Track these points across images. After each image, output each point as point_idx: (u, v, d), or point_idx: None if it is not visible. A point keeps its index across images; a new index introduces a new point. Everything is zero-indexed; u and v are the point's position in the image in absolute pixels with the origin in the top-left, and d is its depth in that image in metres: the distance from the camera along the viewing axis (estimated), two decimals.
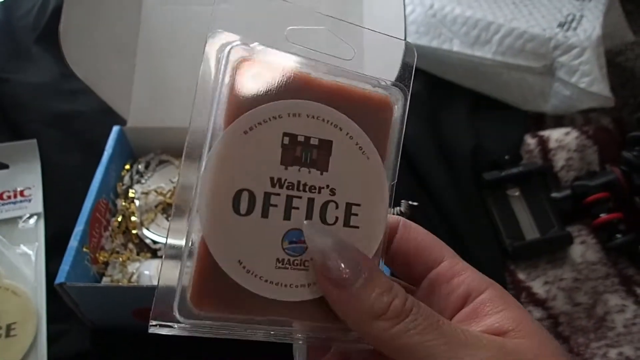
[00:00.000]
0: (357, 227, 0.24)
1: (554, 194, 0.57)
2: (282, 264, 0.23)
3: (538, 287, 0.53)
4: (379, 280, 0.21)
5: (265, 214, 0.22)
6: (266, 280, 0.22)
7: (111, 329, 0.47)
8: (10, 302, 0.44)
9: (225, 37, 0.22)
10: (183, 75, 0.55)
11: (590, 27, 0.62)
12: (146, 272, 0.47)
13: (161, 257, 0.48)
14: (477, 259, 0.53)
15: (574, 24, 0.62)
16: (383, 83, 0.25)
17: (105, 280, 0.46)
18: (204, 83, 0.22)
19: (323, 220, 0.23)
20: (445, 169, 0.58)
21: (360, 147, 0.24)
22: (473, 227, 0.56)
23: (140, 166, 0.55)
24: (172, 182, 0.53)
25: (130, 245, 0.49)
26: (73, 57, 0.49)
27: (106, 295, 0.43)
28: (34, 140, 0.58)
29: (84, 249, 0.45)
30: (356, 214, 0.24)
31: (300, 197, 0.23)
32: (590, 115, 0.67)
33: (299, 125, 0.23)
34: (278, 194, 0.22)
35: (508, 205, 0.57)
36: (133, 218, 0.49)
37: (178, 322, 0.22)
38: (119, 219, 0.50)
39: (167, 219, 0.51)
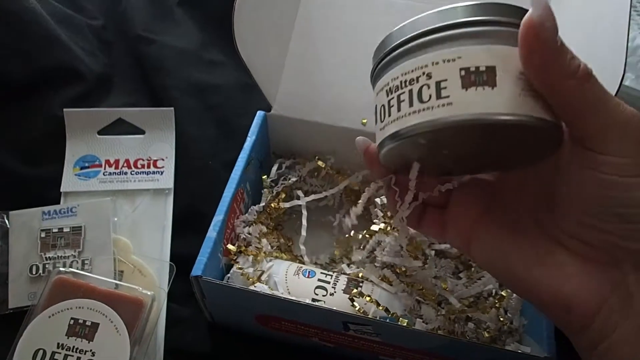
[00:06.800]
0: None
1: None
2: None
3: None
4: (567, 48, 0.24)
5: None
6: None
7: (230, 327, 0.45)
8: (136, 281, 0.43)
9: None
10: (336, 69, 0.51)
11: None
12: (275, 277, 0.44)
13: (296, 258, 0.45)
14: None
15: None
16: (143, 290, 0.43)
17: (235, 272, 0.44)
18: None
19: None
20: None
21: (116, 327, 0.41)
22: None
23: (287, 162, 0.52)
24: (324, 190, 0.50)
25: (264, 241, 0.46)
26: (242, 36, 0.46)
27: (234, 296, 0.41)
28: (172, 109, 0.56)
29: (224, 245, 0.43)
30: None
31: (72, 356, 0.40)
32: None
33: (81, 314, 0.41)
34: (60, 353, 0.40)
35: None
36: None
37: None
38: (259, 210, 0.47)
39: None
